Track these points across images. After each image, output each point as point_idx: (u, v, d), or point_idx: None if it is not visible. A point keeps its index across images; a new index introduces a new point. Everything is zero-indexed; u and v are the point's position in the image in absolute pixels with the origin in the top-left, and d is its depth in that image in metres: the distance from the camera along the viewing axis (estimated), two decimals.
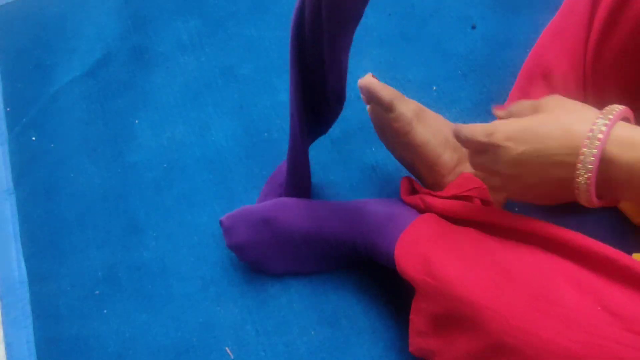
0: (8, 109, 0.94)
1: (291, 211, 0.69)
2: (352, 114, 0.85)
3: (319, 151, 0.83)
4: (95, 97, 0.93)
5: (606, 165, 0.40)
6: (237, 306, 0.73)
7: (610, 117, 0.40)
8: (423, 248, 0.54)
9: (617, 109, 0.41)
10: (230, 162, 0.84)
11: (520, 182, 0.47)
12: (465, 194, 0.60)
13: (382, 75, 0.88)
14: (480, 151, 0.49)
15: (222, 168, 0.83)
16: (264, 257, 0.73)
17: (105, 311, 0.75)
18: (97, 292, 0.77)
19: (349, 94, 0.88)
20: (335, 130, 0.84)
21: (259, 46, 0.93)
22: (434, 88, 0.85)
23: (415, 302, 0.58)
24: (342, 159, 0.82)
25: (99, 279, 0.77)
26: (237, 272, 0.75)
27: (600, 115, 0.41)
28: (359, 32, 0.92)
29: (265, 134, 0.85)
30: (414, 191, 0.67)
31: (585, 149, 0.40)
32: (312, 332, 0.70)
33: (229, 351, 0.71)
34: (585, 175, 0.41)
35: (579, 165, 0.40)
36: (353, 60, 0.90)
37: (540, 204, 0.51)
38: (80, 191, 0.85)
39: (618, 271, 0.42)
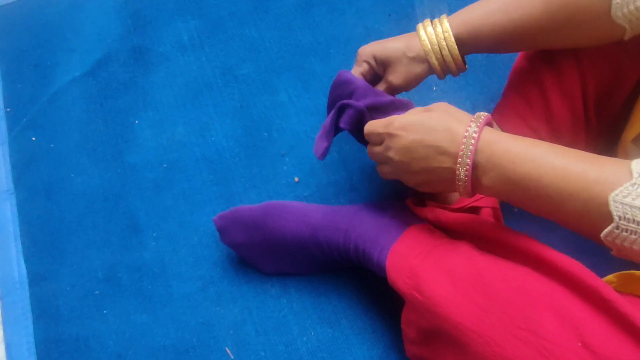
0: (8, 109, 0.94)
1: (283, 216, 0.68)
2: None
3: None
4: (95, 97, 0.93)
5: (478, 159, 0.49)
6: (237, 306, 0.73)
7: (479, 122, 0.49)
8: (413, 262, 0.55)
9: (483, 116, 0.50)
10: (230, 162, 0.84)
11: (407, 168, 0.53)
12: (474, 204, 0.61)
13: None
14: (377, 143, 0.57)
15: (222, 168, 0.83)
16: (257, 258, 0.73)
17: (105, 311, 0.75)
18: (97, 292, 0.77)
19: None
20: None
21: (259, 46, 0.93)
22: (434, 88, 0.85)
23: (405, 314, 0.59)
24: (342, 159, 0.82)
25: (99, 279, 0.78)
26: (237, 272, 0.75)
27: (472, 120, 0.49)
28: (359, 32, 0.93)
29: (265, 134, 0.85)
30: (421, 202, 0.67)
31: (463, 146, 0.48)
32: (312, 332, 0.70)
33: (228, 351, 0.71)
34: (465, 168, 0.49)
35: (459, 160, 0.49)
36: (353, 61, 0.90)
37: (423, 190, 0.57)
38: (80, 191, 0.85)
39: (601, 303, 0.43)
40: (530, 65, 0.64)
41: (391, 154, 0.54)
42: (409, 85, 0.64)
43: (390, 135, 0.53)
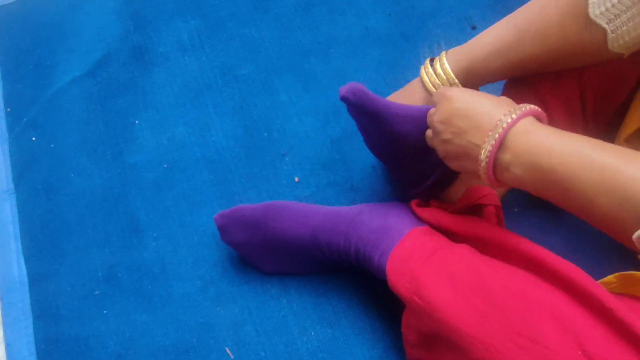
0: (8, 109, 0.94)
1: (284, 216, 0.68)
2: None
3: (319, 151, 0.83)
4: (95, 97, 0.93)
5: (511, 143, 0.48)
6: (237, 306, 0.73)
7: (518, 112, 0.48)
8: (413, 266, 0.55)
9: (529, 106, 0.49)
10: (230, 162, 0.84)
11: (442, 134, 0.54)
12: (477, 202, 0.61)
13: (382, 75, 0.88)
14: (435, 111, 0.57)
15: (222, 168, 0.83)
16: (257, 257, 0.73)
17: (105, 311, 0.75)
18: (97, 292, 0.77)
19: None
20: (335, 130, 0.84)
21: (259, 46, 0.93)
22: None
23: (406, 317, 0.59)
24: (342, 159, 0.82)
25: (99, 279, 0.77)
26: (237, 272, 0.75)
27: (516, 108, 0.49)
28: (359, 32, 0.93)
29: (265, 134, 0.85)
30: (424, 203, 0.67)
31: (499, 122, 0.48)
32: (312, 333, 0.70)
33: (228, 351, 0.71)
34: (490, 144, 0.48)
35: (487, 138, 0.49)
36: (353, 61, 0.90)
37: (450, 164, 0.57)
38: (80, 191, 0.85)
39: (601, 310, 0.43)
40: None
41: (435, 117, 0.55)
42: None
43: (443, 97, 0.55)
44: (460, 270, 0.51)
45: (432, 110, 0.58)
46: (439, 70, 0.63)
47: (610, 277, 0.55)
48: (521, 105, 0.49)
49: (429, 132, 0.59)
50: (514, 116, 0.48)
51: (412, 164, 0.65)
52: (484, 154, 0.49)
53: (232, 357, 0.70)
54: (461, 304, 0.48)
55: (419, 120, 0.62)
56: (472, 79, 0.62)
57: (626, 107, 0.61)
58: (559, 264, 0.47)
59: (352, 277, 0.73)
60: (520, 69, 0.59)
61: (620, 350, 0.41)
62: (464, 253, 0.54)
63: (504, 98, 0.52)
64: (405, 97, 0.67)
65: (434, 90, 0.64)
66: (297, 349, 0.70)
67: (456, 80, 0.62)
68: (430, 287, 0.51)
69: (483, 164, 0.50)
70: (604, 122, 0.64)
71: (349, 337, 0.70)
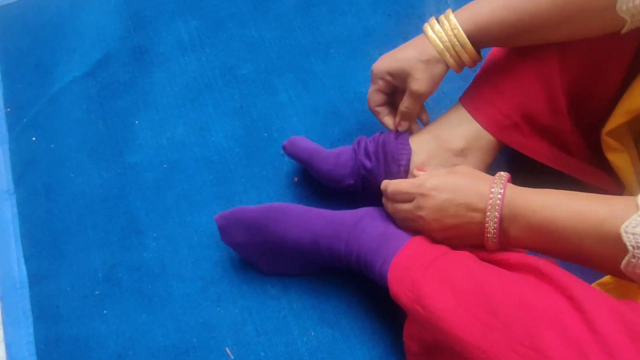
0: (8, 109, 0.94)
1: (285, 220, 0.68)
2: (352, 114, 0.85)
3: None
4: (95, 97, 0.93)
5: (503, 212, 0.53)
6: (237, 307, 0.73)
7: (502, 180, 0.54)
8: (414, 274, 0.55)
9: (505, 175, 0.55)
10: (230, 162, 0.84)
11: (440, 226, 0.57)
12: None
13: None
14: (405, 201, 0.60)
15: (222, 168, 0.83)
16: (257, 258, 0.73)
17: (105, 311, 0.75)
18: (97, 292, 0.77)
19: (348, 94, 0.88)
20: (335, 130, 0.84)
21: (259, 46, 0.93)
22: None
23: (407, 327, 0.59)
24: None
25: (99, 279, 0.78)
26: (237, 272, 0.75)
27: (496, 179, 0.54)
28: (359, 32, 0.93)
29: (265, 134, 0.85)
30: None
31: (491, 201, 0.53)
32: (312, 333, 0.70)
33: (228, 352, 0.71)
34: (493, 222, 0.53)
35: (488, 214, 0.53)
36: (353, 61, 0.90)
37: (451, 244, 0.59)
38: (80, 191, 0.85)
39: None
40: (503, 52, 0.65)
41: (423, 212, 0.57)
42: (433, 88, 0.64)
43: (423, 195, 0.57)
44: (461, 278, 0.51)
45: (408, 206, 0.59)
46: (445, 26, 0.60)
47: (607, 278, 0.55)
48: (497, 175, 0.55)
49: (410, 224, 0.61)
50: (500, 189, 0.53)
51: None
52: (491, 229, 0.53)
53: (232, 357, 0.70)
54: (463, 313, 0.48)
55: (344, 160, 0.71)
56: (480, 34, 0.59)
57: (613, 105, 0.61)
58: (558, 274, 0.47)
59: (353, 278, 0.73)
60: (528, 26, 0.57)
61: None
62: (464, 260, 0.54)
63: (470, 170, 0.58)
64: (411, 53, 0.63)
65: (441, 46, 0.61)
66: (297, 349, 0.70)
67: (462, 34, 0.59)
68: (432, 296, 0.51)
69: (491, 235, 0.54)
70: (588, 122, 0.64)
71: (349, 337, 0.70)
